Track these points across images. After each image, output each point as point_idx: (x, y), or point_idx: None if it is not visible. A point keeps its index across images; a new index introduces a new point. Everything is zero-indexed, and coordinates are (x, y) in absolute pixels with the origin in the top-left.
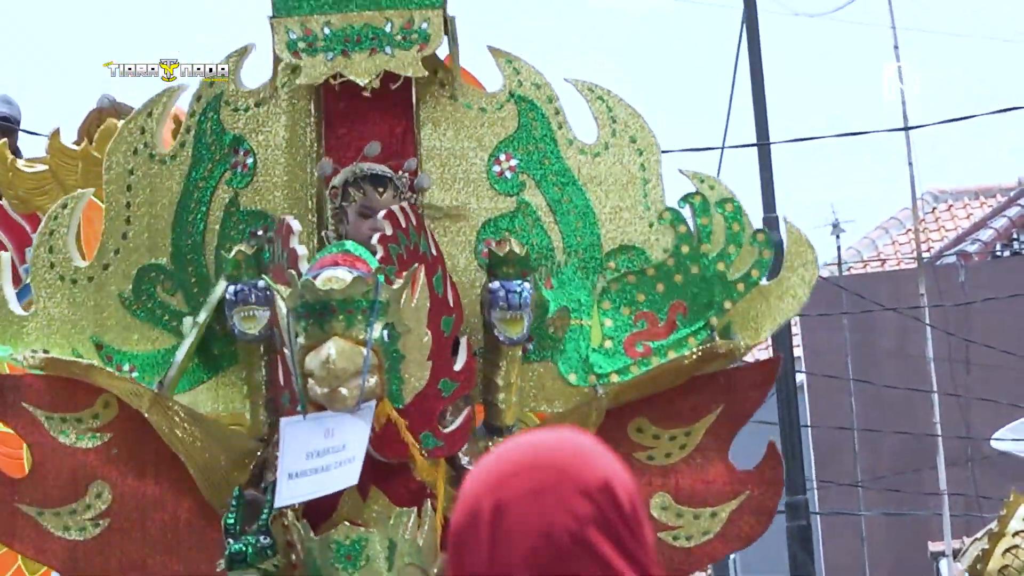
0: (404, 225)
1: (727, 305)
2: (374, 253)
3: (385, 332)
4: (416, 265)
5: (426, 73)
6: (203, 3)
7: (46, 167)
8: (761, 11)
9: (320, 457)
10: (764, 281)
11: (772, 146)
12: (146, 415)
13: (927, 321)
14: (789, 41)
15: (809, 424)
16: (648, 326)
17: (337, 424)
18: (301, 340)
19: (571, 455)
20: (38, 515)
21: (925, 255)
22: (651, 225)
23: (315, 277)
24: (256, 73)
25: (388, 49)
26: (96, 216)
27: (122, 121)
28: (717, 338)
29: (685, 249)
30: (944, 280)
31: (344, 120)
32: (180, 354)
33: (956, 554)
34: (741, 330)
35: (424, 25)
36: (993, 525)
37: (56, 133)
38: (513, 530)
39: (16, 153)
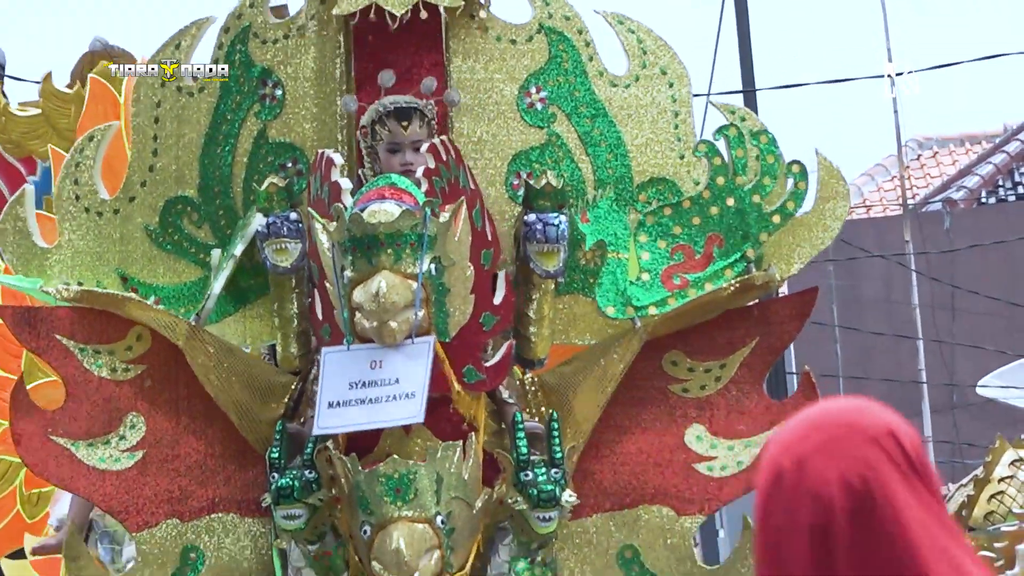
0: (445, 158)
1: (763, 237)
2: (419, 186)
3: (432, 266)
4: (461, 198)
5: (462, 3)
6: (203, 3)
7: (39, 111)
8: None
9: (366, 388)
10: (798, 213)
11: (758, 92)
12: (181, 347)
13: (912, 267)
14: None
15: (794, 371)
16: (685, 258)
17: (385, 356)
18: (348, 273)
19: (856, 411)
20: (72, 446)
21: (910, 202)
22: (682, 157)
23: (362, 210)
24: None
25: None
26: (113, 153)
27: (114, 65)
28: (754, 270)
29: (720, 181)
30: (929, 227)
31: (374, 52)
32: (217, 286)
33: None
34: (775, 261)
35: None
36: (979, 471)
37: (48, 77)
38: (813, 480)
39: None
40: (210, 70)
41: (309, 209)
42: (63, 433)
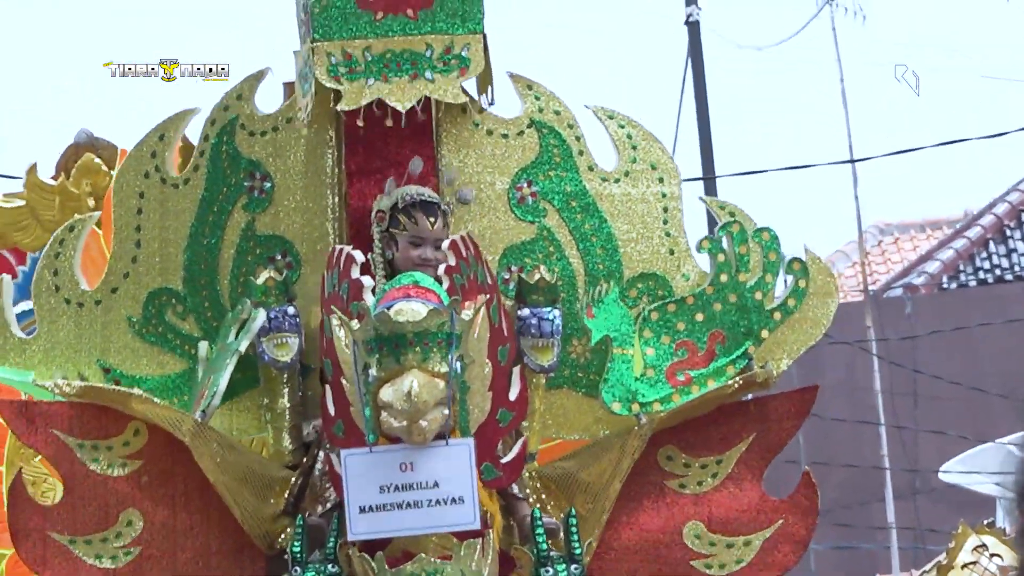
0: (465, 254)
1: (764, 334)
2: (440, 283)
3: (458, 364)
4: (486, 296)
5: (466, 99)
6: (203, 3)
7: (23, 202)
8: (706, 43)
9: (401, 492)
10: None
11: (718, 179)
12: (187, 444)
13: (874, 353)
14: (735, 73)
15: None
16: (688, 355)
17: (416, 458)
18: (374, 372)
19: None
20: (70, 543)
21: (871, 288)
22: (671, 252)
23: (388, 308)
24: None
25: (428, 74)
26: (92, 243)
27: (101, 156)
28: (755, 367)
29: (724, 278)
30: (891, 312)
31: (366, 145)
32: (222, 382)
33: None
34: (769, 357)
35: (464, 51)
36: (942, 558)
37: (33, 168)
38: None
39: None
40: (195, 167)
41: (330, 308)
42: (62, 529)
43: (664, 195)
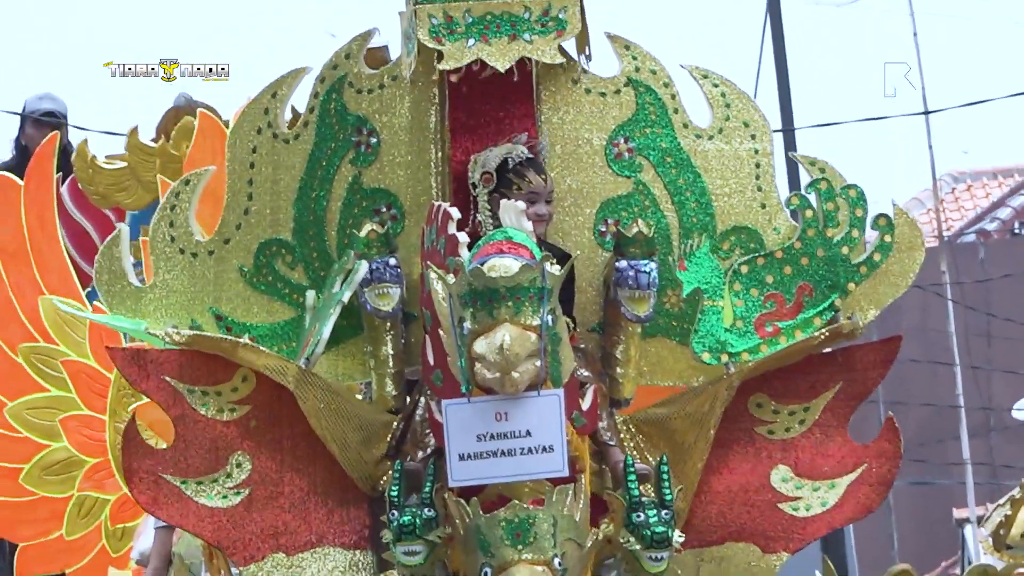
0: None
1: (850, 287)
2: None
3: (549, 317)
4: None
5: (563, 60)
6: (203, 3)
7: (125, 164)
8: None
9: (496, 440)
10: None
11: (797, 131)
12: (292, 390)
13: (948, 297)
14: (812, 28)
15: None
16: (776, 307)
17: (510, 408)
18: (468, 325)
19: None
20: (182, 484)
21: (945, 234)
22: (763, 206)
23: (482, 264)
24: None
25: (527, 35)
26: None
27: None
28: (841, 318)
29: (811, 233)
30: (964, 258)
31: (468, 103)
32: (326, 331)
33: (980, 520)
34: (856, 309)
35: (561, 13)
36: (1015, 492)
37: (134, 131)
38: None
39: (67, 147)
40: (305, 123)
41: (428, 263)
42: (173, 471)
43: (756, 151)
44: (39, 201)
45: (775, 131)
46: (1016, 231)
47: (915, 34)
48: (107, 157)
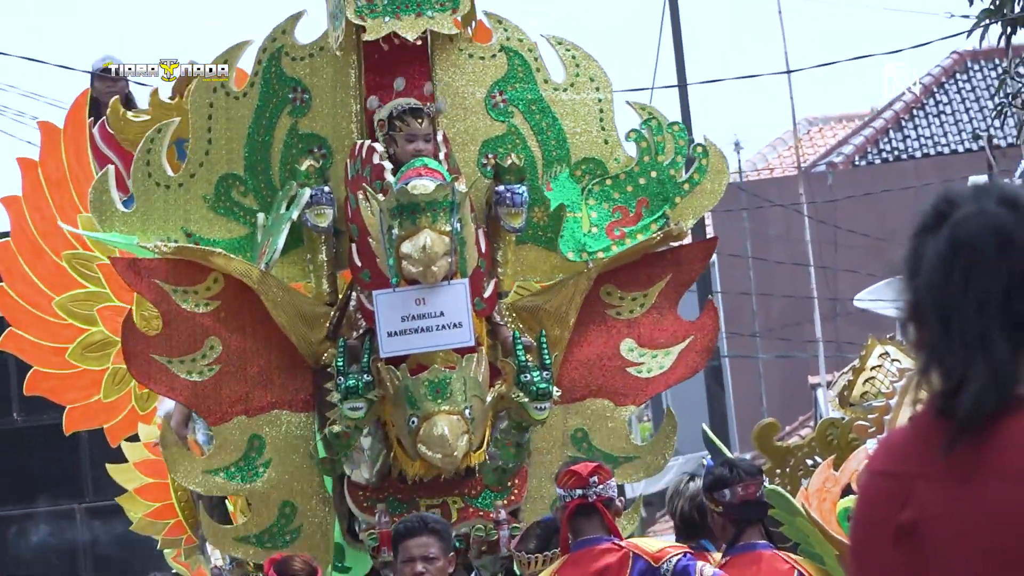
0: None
1: (677, 200)
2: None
3: (458, 224)
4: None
5: (458, 31)
6: (203, 3)
7: (148, 116)
8: None
9: (417, 320)
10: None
11: (689, 86)
12: (255, 289)
13: (805, 214)
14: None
15: (720, 290)
16: (622, 216)
17: (426, 295)
18: (396, 231)
19: None
20: (167, 363)
21: (803, 165)
22: (606, 142)
23: (406, 184)
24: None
25: (429, 12)
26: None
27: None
28: (671, 224)
29: (646, 159)
30: (817, 184)
31: (380, 65)
32: (280, 242)
33: (829, 384)
34: (680, 218)
35: None
36: (855, 362)
37: (156, 92)
38: None
39: (130, 101)
40: (251, 84)
41: (355, 187)
42: (161, 352)
43: (599, 100)
44: (75, 140)
45: (672, 86)
46: (856, 163)
47: (780, 12)
48: (133, 112)
